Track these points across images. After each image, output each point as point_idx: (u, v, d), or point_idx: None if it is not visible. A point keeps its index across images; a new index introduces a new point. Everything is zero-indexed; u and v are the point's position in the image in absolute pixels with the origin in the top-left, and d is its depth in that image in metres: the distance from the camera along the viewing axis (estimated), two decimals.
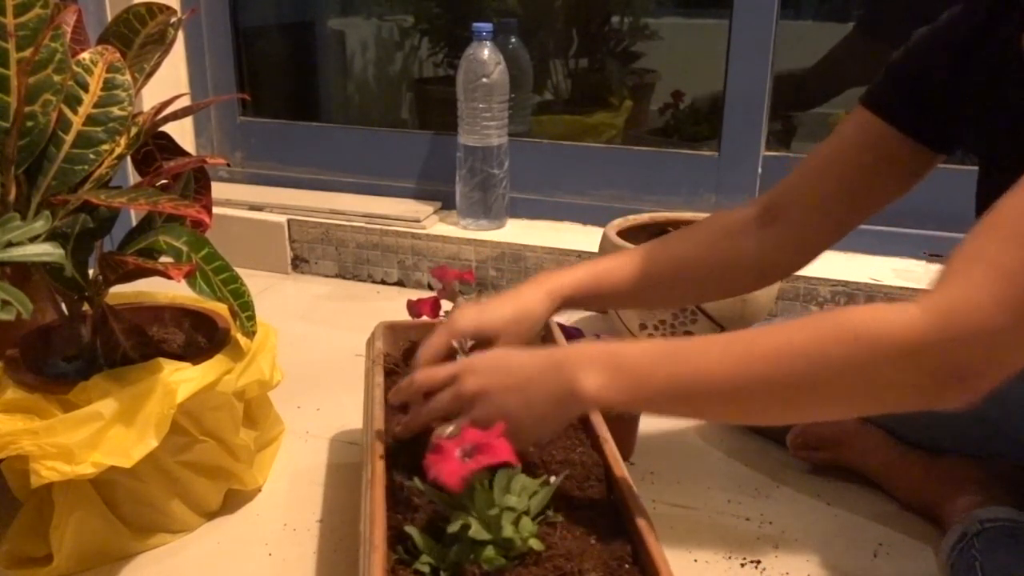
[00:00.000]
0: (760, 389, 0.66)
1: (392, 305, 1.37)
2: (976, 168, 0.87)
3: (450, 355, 0.84)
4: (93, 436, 0.77)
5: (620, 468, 0.74)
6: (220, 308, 0.95)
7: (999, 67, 0.78)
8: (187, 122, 1.83)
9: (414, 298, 0.95)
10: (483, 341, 0.85)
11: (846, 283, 1.35)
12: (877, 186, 0.87)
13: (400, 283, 1.64)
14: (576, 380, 0.69)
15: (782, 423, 0.72)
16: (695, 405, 0.70)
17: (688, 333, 1.21)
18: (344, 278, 1.67)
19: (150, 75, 0.91)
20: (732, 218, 0.93)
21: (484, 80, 1.51)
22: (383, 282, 1.65)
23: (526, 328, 0.89)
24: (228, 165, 1.84)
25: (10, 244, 0.68)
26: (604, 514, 0.70)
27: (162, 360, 0.83)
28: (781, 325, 0.67)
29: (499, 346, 0.86)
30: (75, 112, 0.81)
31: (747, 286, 0.99)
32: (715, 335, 0.71)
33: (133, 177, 1.17)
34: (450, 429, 0.68)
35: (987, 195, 0.81)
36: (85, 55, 0.82)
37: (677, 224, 1.36)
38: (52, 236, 0.77)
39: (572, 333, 1.03)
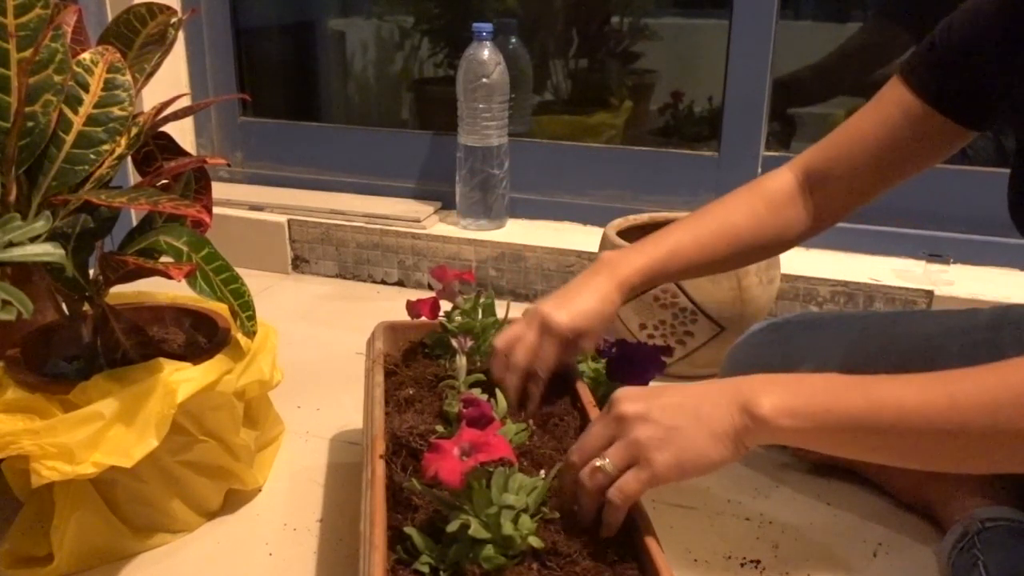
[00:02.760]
0: (972, 429, 0.60)
1: (392, 305, 1.37)
2: (969, 167, 0.87)
3: (515, 341, 0.82)
4: (94, 436, 0.77)
5: None
6: (220, 308, 0.95)
7: None
8: (187, 122, 1.83)
9: (414, 298, 0.95)
10: (570, 340, 0.84)
11: (846, 283, 1.35)
12: (909, 159, 0.89)
13: (400, 283, 1.64)
14: (753, 399, 0.64)
15: (976, 472, 0.66)
16: (881, 441, 0.64)
17: (688, 333, 1.21)
18: (344, 278, 1.67)
19: (150, 75, 0.91)
20: (776, 187, 0.95)
21: (484, 80, 1.51)
22: (383, 282, 1.65)
23: (605, 324, 0.88)
24: (228, 165, 1.84)
25: (11, 244, 0.68)
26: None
27: (162, 360, 0.83)
28: (985, 367, 0.62)
29: (584, 343, 0.86)
30: (75, 112, 0.81)
31: (783, 251, 1.01)
32: (911, 375, 0.64)
33: (133, 177, 1.17)
34: (604, 461, 0.65)
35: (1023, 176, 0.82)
36: (86, 55, 0.82)
37: None
38: (53, 236, 0.77)
39: None
